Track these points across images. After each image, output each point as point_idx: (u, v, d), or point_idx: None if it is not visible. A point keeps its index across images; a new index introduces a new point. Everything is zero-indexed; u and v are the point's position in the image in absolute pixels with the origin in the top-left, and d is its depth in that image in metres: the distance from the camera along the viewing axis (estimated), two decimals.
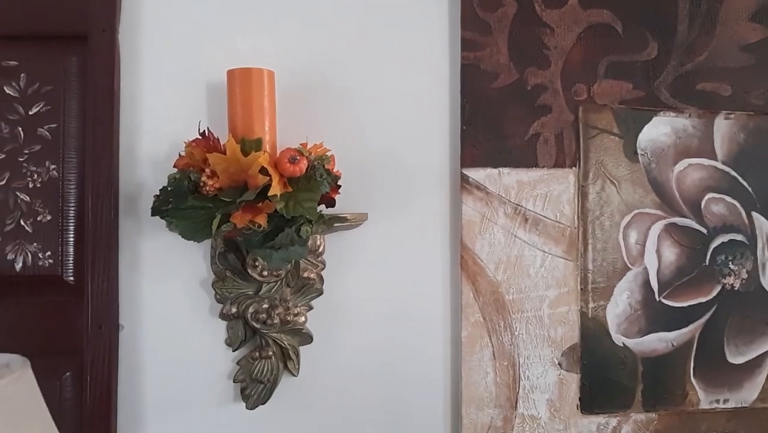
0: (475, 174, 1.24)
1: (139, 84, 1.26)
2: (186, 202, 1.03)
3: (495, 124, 1.25)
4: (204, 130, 1.13)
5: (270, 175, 1.05)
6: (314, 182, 1.08)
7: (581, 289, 1.27)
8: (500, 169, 1.25)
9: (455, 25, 1.27)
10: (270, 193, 1.03)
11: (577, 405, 1.27)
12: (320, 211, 1.10)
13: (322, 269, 1.25)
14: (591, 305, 1.27)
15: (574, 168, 1.27)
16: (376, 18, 1.28)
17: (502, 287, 1.25)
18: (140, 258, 1.26)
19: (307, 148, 1.14)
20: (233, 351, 1.24)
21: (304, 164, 1.07)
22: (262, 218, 1.04)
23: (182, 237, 1.06)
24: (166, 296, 1.26)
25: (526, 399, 1.26)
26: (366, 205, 1.25)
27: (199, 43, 1.27)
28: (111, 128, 1.23)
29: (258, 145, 1.06)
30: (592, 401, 1.28)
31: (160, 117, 1.26)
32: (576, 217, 1.27)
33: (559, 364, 1.27)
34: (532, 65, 1.27)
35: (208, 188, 1.05)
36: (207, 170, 1.07)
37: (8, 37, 1.24)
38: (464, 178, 1.24)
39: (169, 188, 1.06)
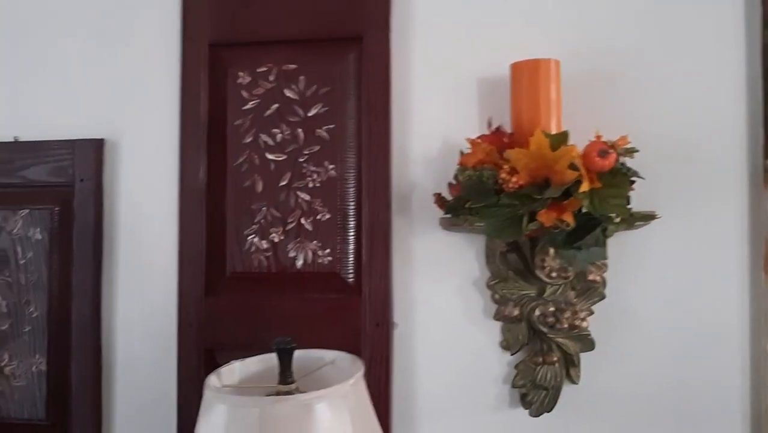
0: None
1: (410, 82, 1.26)
2: (491, 200, 1.00)
3: None
4: (497, 126, 1.09)
5: (578, 171, 0.98)
6: (621, 177, 1.01)
7: None
8: None
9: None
10: (582, 190, 0.97)
11: None
12: (630, 208, 1.01)
13: (605, 271, 1.17)
14: None
15: None
16: None
17: None
18: (412, 256, 1.25)
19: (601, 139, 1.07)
20: (511, 355, 1.19)
21: (613, 158, 1.00)
22: (569, 216, 0.98)
23: (488, 235, 1.04)
24: (438, 294, 1.24)
25: None
26: (653, 202, 1.15)
27: (469, 39, 1.24)
28: (386, 127, 1.23)
29: (564, 139, 1.00)
30: None
31: (431, 114, 1.25)
32: None
33: None
34: None
35: (510, 185, 1.01)
36: (506, 167, 1.03)
37: (288, 41, 1.28)
38: None
39: (469, 186, 1.03)
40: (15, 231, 1.34)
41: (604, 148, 0.99)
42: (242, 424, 0.75)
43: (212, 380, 0.85)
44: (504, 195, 0.99)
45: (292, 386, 0.85)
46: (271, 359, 0.92)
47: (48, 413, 1.32)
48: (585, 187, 0.97)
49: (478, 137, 1.12)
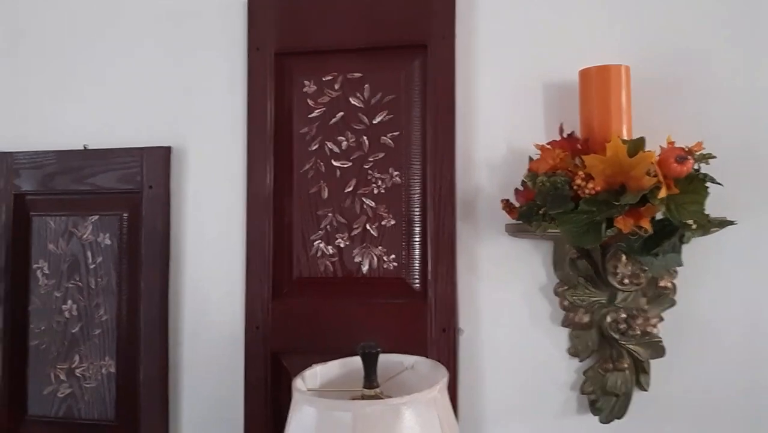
0: None
1: (475, 89, 1.27)
2: (568, 206, 1.00)
3: None
4: (570, 132, 1.09)
5: (656, 177, 0.98)
6: (698, 184, 1.00)
7: None
8: None
9: None
10: (660, 196, 0.96)
11: None
12: (708, 215, 1.01)
13: (675, 277, 1.16)
14: None
15: None
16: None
17: None
18: (477, 262, 1.25)
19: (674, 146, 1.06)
20: (579, 361, 1.19)
21: (691, 164, 0.99)
22: (646, 222, 0.98)
23: (567, 242, 1.03)
24: (504, 300, 1.24)
25: None
26: (723, 207, 1.14)
27: (533, 44, 1.24)
28: (451, 134, 1.24)
29: (642, 145, 1.00)
30: None
31: (495, 120, 1.26)
32: None
33: None
34: None
35: (586, 191, 1.01)
36: (581, 173, 1.02)
37: (353, 50, 1.30)
38: None
39: (544, 193, 1.03)
40: (85, 237, 1.38)
41: (682, 155, 0.99)
42: (335, 427, 0.76)
43: (298, 383, 0.86)
44: (583, 201, 0.99)
45: (378, 390, 0.86)
46: (350, 362, 0.94)
47: (117, 414, 1.35)
48: (663, 193, 0.97)
49: (549, 143, 1.12)
